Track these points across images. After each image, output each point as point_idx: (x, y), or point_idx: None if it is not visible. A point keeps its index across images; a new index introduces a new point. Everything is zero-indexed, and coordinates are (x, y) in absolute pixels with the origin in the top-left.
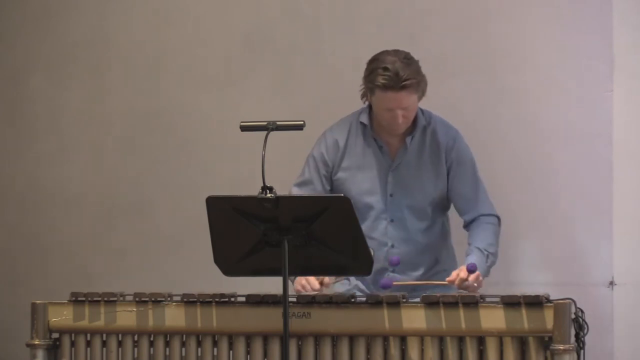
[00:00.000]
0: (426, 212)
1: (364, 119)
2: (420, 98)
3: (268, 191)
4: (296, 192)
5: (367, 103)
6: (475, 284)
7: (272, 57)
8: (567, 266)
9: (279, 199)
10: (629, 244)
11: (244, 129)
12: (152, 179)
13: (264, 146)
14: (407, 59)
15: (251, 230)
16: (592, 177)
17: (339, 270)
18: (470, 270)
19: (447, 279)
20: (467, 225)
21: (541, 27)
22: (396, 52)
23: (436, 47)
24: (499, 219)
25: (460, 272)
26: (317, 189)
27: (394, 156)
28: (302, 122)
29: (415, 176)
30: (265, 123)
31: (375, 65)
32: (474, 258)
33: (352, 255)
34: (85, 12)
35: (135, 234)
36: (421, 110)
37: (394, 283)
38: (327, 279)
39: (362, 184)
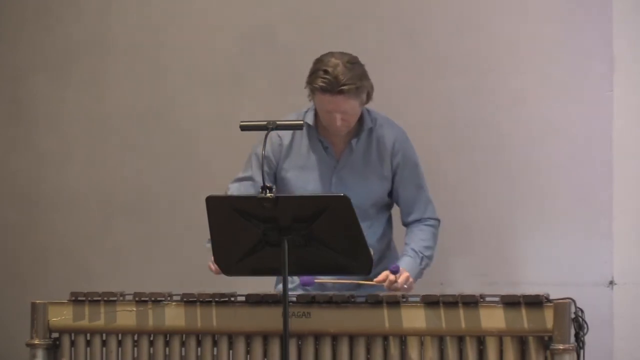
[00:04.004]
0: (368, 213)
1: (309, 119)
2: (364, 102)
3: (268, 191)
4: (233, 187)
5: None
6: (406, 286)
7: (273, 56)
8: (567, 266)
9: (278, 199)
10: (628, 244)
11: (244, 128)
12: (152, 178)
13: (264, 146)
14: (351, 63)
15: (251, 230)
16: (592, 177)
17: (339, 270)
18: (393, 271)
19: (376, 279)
20: (407, 226)
21: (541, 27)
22: (342, 55)
23: (436, 47)
24: (439, 221)
25: (390, 274)
26: (257, 186)
27: (339, 157)
28: (302, 122)
29: (360, 178)
30: (265, 123)
31: (317, 67)
32: (408, 260)
33: (351, 254)
34: (86, 13)
35: (135, 234)
36: (368, 111)
37: (316, 280)
38: None
39: (306, 184)
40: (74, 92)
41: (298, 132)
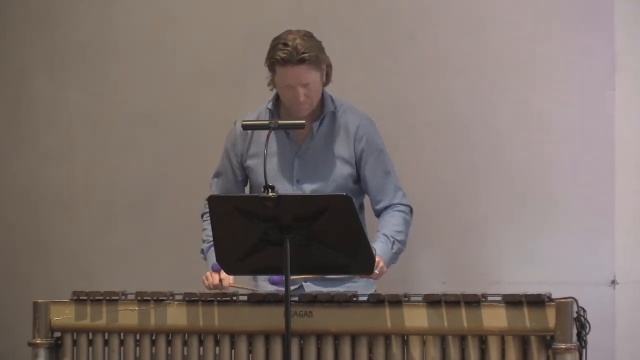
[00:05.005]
0: None
1: (270, 105)
2: (323, 78)
3: (270, 190)
4: (214, 183)
5: (274, 91)
6: (377, 271)
7: None
8: (569, 265)
9: (280, 199)
10: (631, 243)
11: (246, 128)
12: (155, 178)
13: (266, 145)
14: (308, 37)
15: (253, 230)
16: (594, 176)
17: (341, 270)
18: None
19: None
20: (378, 215)
21: (542, 26)
22: (298, 31)
23: (436, 47)
24: (411, 209)
25: None
26: (230, 179)
27: (301, 142)
28: (303, 122)
29: (322, 162)
30: (267, 122)
31: (276, 43)
32: (379, 245)
33: (353, 254)
34: (89, 12)
35: (137, 233)
36: (331, 98)
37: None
38: (227, 281)
39: (269, 171)
40: (75, 91)
41: (262, 119)
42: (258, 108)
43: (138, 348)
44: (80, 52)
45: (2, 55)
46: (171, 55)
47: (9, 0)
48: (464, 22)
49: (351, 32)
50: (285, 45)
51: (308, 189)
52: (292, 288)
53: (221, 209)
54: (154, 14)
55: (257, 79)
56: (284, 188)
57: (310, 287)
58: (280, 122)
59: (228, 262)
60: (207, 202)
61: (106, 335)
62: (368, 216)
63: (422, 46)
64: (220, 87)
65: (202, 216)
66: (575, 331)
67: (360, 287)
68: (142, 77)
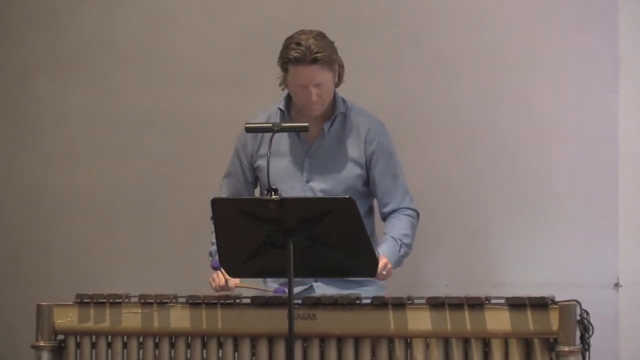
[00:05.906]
0: None
1: (282, 105)
2: (335, 78)
3: (273, 193)
4: (224, 184)
5: (286, 91)
6: (384, 272)
7: (277, 57)
8: (572, 267)
9: (283, 201)
10: (634, 245)
11: (249, 130)
12: (157, 180)
13: (269, 147)
14: (320, 36)
15: (256, 232)
16: (597, 178)
17: (344, 272)
18: None
19: None
20: (385, 218)
21: (545, 27)
22: (310, 31)
23: (438, 48)
24: (418, 213)
25: None
26: (240, 180)
27: (312, 142)
28: (306, 125)
29: (332, 162)
30: (270, 124)
31: (288, 42)
32: (386, 247)
33: (356, 256)
34: (91, 13)
35: (140, 236)
36: (343, 99)
37: None
38: (233, 282)
39: (280, 170)
40: (76, 92)
41: (272, 119)
42: (269, 108)
43: (141, 350)
44: (81, 53)
45: (3, 56)
46: (171, 56)
47: (9, 1)
48: (465, 23)
49: (351, 32)
50: (298, 44)
51: (317, 188)
52: (302, 288)
53: (224, 212)
54: (155, 14)
55: (257, 79)
56: (294, 187)
57: (321, 288)
58: (283, 124)
59: (231, 264)
60: None
61: (109, 337)
62: (377, 219)
63: (423, 46)
64: (220, 87)
65: (212, 218)
66: (578, 333)
67: (370, 290)
68: (142, 77)
